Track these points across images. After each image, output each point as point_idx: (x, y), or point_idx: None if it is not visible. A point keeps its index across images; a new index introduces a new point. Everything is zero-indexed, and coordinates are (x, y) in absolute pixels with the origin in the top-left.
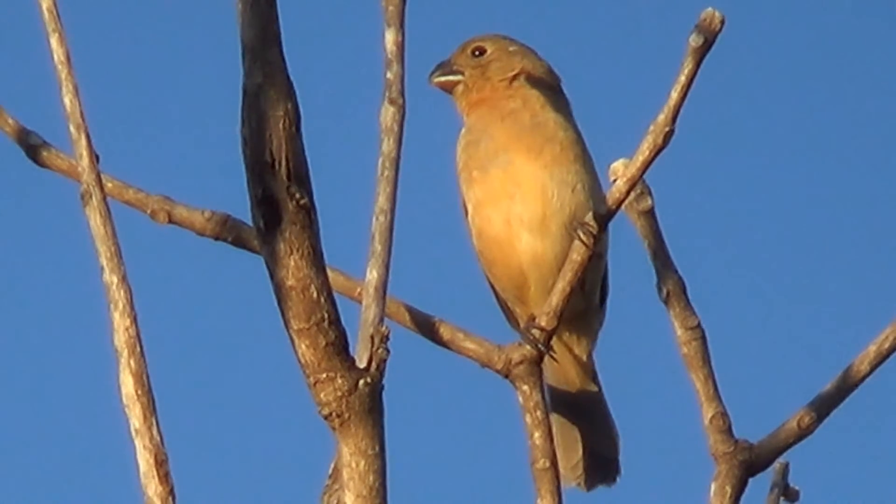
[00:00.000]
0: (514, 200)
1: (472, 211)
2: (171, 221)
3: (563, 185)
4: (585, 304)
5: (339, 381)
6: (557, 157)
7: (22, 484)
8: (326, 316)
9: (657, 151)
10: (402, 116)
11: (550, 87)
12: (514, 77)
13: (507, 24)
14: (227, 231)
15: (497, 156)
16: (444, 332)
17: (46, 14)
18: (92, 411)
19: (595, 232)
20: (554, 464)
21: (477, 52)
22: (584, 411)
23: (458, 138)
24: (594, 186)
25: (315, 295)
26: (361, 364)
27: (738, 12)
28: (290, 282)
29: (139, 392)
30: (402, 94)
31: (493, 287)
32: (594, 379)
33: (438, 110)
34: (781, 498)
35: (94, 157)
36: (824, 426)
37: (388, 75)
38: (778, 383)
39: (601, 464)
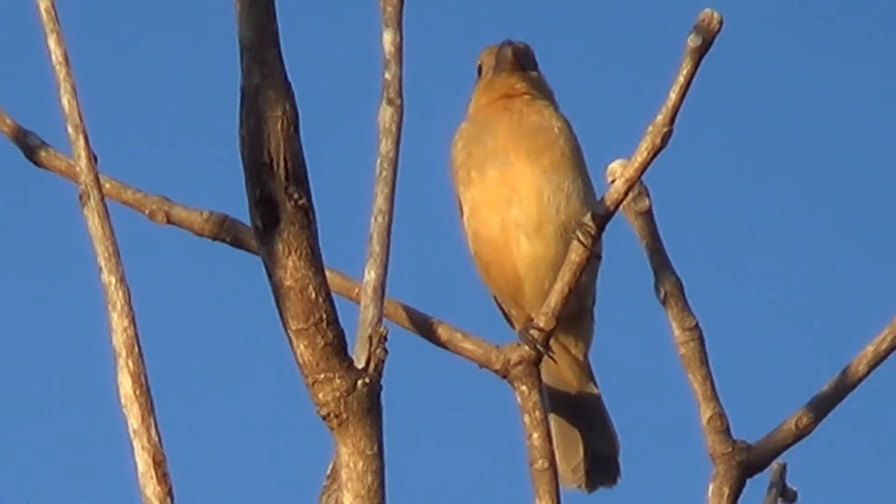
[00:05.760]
0: (511, 204)
1: (469, 213)
2: (169, 222)
3: (558, 192)
4: (579, 305)
5: (338, 381)
6: (556, 163)
7: (21, 484)
8: (325, 316)
9: (655, 152)
10: (401, 117)
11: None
12: (553, 105)
13: (506, 25)
14: (226, 231)
15: (497, 156)
16: (443, 332)
17: (44, 14)
18: (90, 412)
19: (593, 233)
20: (552, 464)
21: (535, 63)
22: (583, 412)
23: (458, 131)
24: (589, 193)
25: (313, 295)
26: (360, 364)
27: (736, 13)
28: (289, 282)
29: (137, 392)
30: (401, 94)
31: (488, 288)
32: (591, 380)
33: (437, 111)
34: (779, 498)
35: (93, 158)
36: (822, 427)
37: (387, 76)
38: (776, 384)
39: (602, 464)
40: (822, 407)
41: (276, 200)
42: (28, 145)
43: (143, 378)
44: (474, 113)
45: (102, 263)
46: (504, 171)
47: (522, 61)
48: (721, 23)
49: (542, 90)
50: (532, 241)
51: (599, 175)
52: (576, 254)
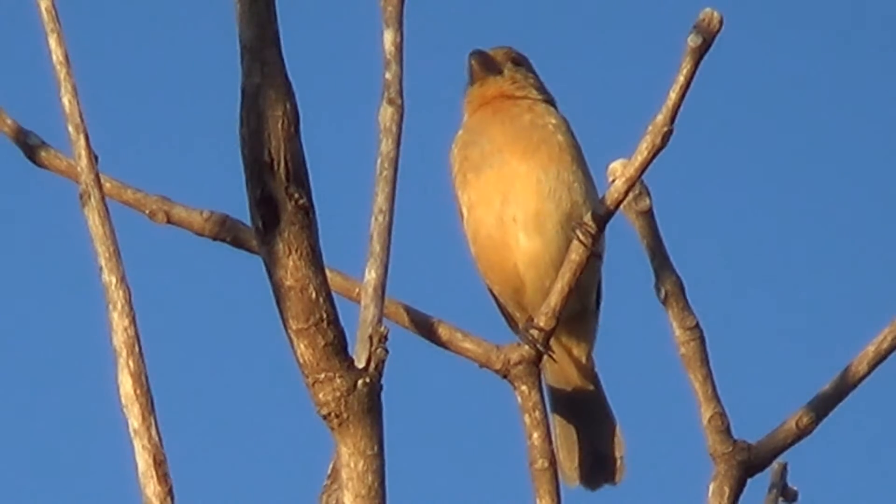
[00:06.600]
0: (508, 200)
1: (467, 214)
2: (169, 222)
3: (559, 183)
4: (581, 306)
5: (338, 381)
6: (554, 157)
7: (20, 484)
8: (325, 316)
9: (656, 151)
10: (401, 117)
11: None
12: (541, 101)
13: (505, 25)
14: (226, 231)
15: (492, 156)
16: (443, 332)
17: (45, 14)
18: (90, 411)
19: (594, 232)
20: (553, 464)
21: (516, 62)
22: (587, 412)
23: (455, 139)
24: (590, 188)
25: (314, 295)
26: (360, 364)
27: (736, 12)
28: (289, 282)
29: (138, 392)
30: (401, 94)
31: (491, 292)
32: (594, 379)
33: (437, 110)
34: (780, 498)
35: (93, 158)
36: (823, 426)
37: (387, 75)
38: (776, 383)
39: (606, 463)
40: (822, 407)
41: (277, 200)
42: (28, 145)
43: (143, 378)
44: (467, 120)
45: (103, 263)
46: (500, 169)
47: (488, 68)
48: (721, 22)
49: (522, 87)
50: (531, 238)
51: (600, 175)
52: (576, 253)
